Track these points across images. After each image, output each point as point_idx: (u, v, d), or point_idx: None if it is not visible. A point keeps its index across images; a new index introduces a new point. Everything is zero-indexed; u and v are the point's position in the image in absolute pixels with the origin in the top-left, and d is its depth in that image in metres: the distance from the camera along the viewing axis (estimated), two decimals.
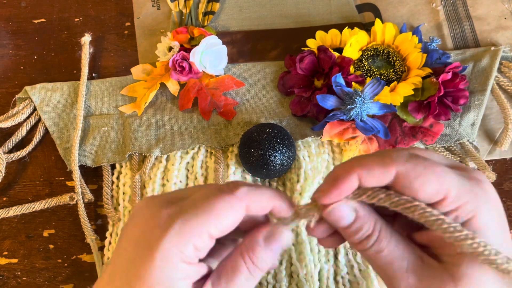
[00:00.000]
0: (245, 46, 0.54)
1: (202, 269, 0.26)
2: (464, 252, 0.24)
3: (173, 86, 0.50)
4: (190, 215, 0.24)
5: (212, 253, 0.27)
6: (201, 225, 0.24)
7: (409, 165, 0.25)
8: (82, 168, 0.49)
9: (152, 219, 0.25)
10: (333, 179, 0.26)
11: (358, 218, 0.26)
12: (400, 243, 0.26)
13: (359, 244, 0.27)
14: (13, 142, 0.50)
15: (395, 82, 0.49)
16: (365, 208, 0.27)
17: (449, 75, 0.47)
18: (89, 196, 0.48)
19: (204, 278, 0.26)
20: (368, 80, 0.48)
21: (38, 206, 0.47)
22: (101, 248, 0.47)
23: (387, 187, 0.26)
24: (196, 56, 0.50)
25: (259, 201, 0.26)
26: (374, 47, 0.50)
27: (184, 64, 0.49)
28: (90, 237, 0.47)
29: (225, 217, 0.25)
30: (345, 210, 0.26)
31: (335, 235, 0.28)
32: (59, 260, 0.47)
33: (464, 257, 0.25)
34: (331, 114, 0.47)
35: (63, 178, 0.50)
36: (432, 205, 0.25)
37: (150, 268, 0.24)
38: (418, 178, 0.24)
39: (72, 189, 0.49)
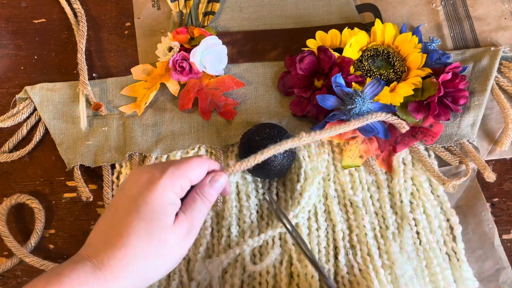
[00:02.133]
0: (245, 46, 0.54)
1: (179, 204, 0.38)
2: None
3: (173, 86, 0.50)
4: (179, 166, 0.37)
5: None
6: (185, 171, 0.37)
7: None
8: (82, 168, 0.49)
9: (151, 170, 0.37)
10: None
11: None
12: None
13: None
14: (14, 142, 0.50)
15: (395, 82, 0.49)
16: None
17: (449, 75, 0.47)
18: (87, 194, 0.47)
19: None
20: (368, 80, 0.48)
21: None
22: None
23: None
24: (196, 56, 0.50)
25: (212, 164, 0.40)
26: (374, 47, 0.51)
27: (184, 64, 0.49)
28: None
29: (198, 169, 0.38)
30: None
31: None
32: (59, 260, 0.47)
33: None
34: (331, 114, 0.47)
35: (63, 178, 0.50)
36: None
37: (153, 193, 0.35)
38: None
39: (72, 189, 0.49)
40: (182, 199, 0.38)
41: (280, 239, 0.46)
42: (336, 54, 0.49)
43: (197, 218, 0.38)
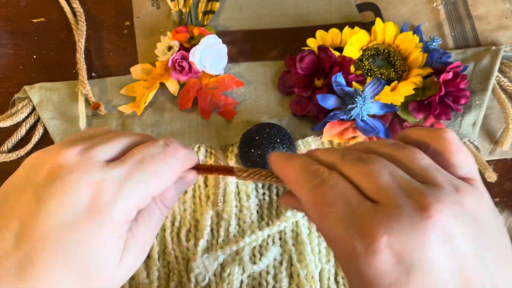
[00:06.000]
0: (245, 45, 0.54)
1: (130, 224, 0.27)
2: None
3: (172, 86, 0.50)
4: (138, 180, 0.25)
5: None
6: (148, 188, 0.26)
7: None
8: None
9: (99, 183, 0.25)
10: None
11: None
12: None
13: None
14: (13, 142, 0.50)
15: (395, 82, 0.48)
16: None
17: (450, 75, 0.47)
18: None
19: None
20: (369, 79, 0.48)
21: None
22: None
23: None
24: (196, 56, 0.49)
25: (191, 163, 0.29)
26: (375, 46, 0.50)
27: (184, 63, 0.49)
28: None
29: (168, 181, 0.27)
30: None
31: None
32: None
33: None
34: (331, 114, 0.47)
35: None
36: None
37: (97, 232, 0.24)
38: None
39: None
40: None
41: (280, 239, 0.46)
42: (337, 53, 0.49)
43: (150, 235, 0.28)
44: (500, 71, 0.51)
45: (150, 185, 0.26)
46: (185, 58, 0.50)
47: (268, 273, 0.45)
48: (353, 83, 0.47)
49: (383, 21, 0.52)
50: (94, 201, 0.24)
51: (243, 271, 0.45)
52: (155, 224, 0.28)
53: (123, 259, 0.25)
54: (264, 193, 0.48)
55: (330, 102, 0.46)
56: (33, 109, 0.51)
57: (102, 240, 0.24)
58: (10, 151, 0.50)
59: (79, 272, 0.24)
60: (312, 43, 0.51)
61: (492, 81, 0.50)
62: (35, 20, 0.56)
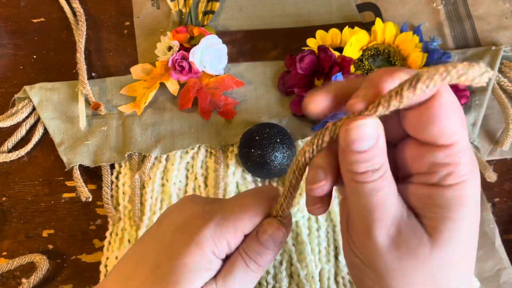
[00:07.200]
0: (245, 45, 0.54)
1: (218, 267, 0.28)
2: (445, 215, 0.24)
3: (172, 86, 0.50)
4: (229, 214, 0.28)
5: None
6: (236, 224, 0.27)
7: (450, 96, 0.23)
8: (81, 168, 0.49)
9: (195, 211, 0.28)
10: (372, 82, 0.24)
11: (376, 147, 0.23)
12: (396, 191, 0.24)
13: (361, 175, 0.23)
14: (13, 142, 0.50)
15: None
16: (384, 141, 0.24)
17: None
18: (87, 194, 0.47)
19: None
20: None
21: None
22: (101, 248, 0.47)
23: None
24: (196, 56, 0.49)
25: (269, 195, 0.30)
26: (375, 46, 0.50)
27: (184, 63, 0.49)
28: None
29: (257, 219, 0.28)
30: (371, 131, 0.23)
31: (325, 200, 0.27)
32: (59, 260, 0.47)
33: (445, 222, 0.24)
34: (331, 113, 0.47)
35: (62, 178, 0.50)
36: (438, 147, 0.23)
37: (185, 252, 0.26)
38: (451, 114, 0.22)
39: (71, 189, 0.49)
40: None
41: None
42: (337, 54, 0.49)
43: None
44: (500, 71, 0.51)
45: (231, 224, 0.27)
46: (185, 58, 0.50)
47: (268, 273, 0.45)
48: None
49: (383, 21, 0.52)
50: (186, 225, 0.28)
51: None
52: (240, 277, 0.27)
53: None
54: None
55: None
56: (33, 109, 0.51)
57: (186, 259, 0.26)
58: (10, 151, 0.50)
59: (162, 285, 0.26)
60: (312, 43, 0.51)
61: (492, 81, 0.50)
62: (35, 20, 0.56)
